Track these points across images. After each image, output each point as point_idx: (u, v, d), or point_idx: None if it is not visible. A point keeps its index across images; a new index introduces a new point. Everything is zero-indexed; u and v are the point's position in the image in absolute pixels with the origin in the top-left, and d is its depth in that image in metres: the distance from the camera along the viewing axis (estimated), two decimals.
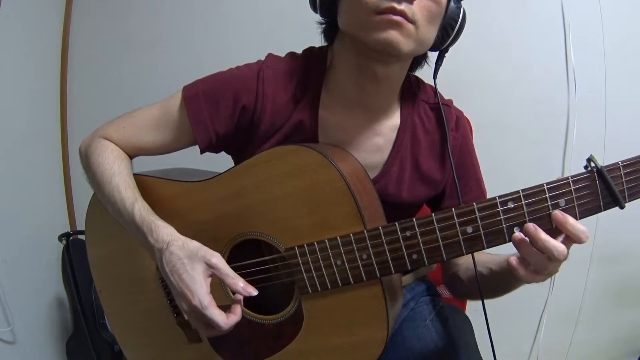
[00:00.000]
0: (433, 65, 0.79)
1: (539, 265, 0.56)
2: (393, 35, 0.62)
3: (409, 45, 0.65)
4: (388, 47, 0.63)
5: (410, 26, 0.63)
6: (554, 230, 0.56)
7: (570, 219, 0.54)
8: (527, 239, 0.56)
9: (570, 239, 0.55)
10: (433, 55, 0.77)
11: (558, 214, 0.55)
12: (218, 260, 0.65)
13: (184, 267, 0.64)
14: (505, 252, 0.70)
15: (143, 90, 1.44)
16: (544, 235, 0.54)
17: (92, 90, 1.73)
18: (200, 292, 0.62)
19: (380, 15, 0.62)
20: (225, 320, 0.63)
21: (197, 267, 0.64)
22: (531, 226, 0.55)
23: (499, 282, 0.71)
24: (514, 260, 0.58)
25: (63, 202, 1.74)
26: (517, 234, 0.57)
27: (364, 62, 0.70)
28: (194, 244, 0.66)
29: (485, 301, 0.74)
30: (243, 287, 0.64)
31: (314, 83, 0.76)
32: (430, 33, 0.68)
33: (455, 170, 0.78)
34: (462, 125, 0.83)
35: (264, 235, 0.69)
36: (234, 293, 0.65)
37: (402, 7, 0.61)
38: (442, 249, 0.60)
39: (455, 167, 0.79)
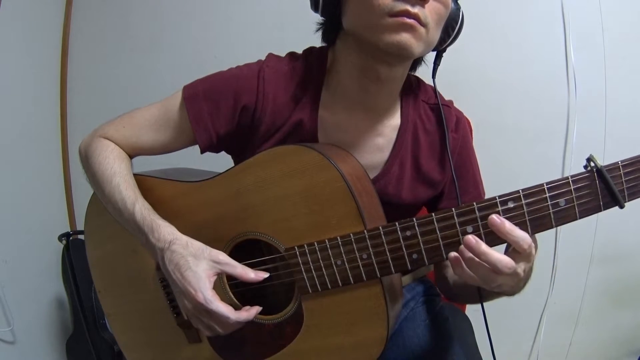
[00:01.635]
0: (431, 65, 0.79)
1: (486, 277, 0.56)
2: (406, 38, 0.63)
3: (420, 47, 0.65)
4: (401, 49, 0.63)
5: (422, 29, 0.63)
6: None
7: (507, 224, 0.54)
8: (465, 254, 0.55)
9: (514, 249, 0.55)
10: (430, 54, 0.78)
11: (494, 217, 0.55)
12: (224, 256, 0.66)
13: (187, 264, 0.64)
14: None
15: (143, 90, 1.44)
16: (484, 248, 0.54)
17: (92, 90, 1.73)
18: (204, 288, 0.63)
19: (394, 17, 0.62)
20: (232, 312, 0.64)
21: (201, 265, 0.64)
22: (471, 238, 0.55)
23: (474, 290, 0.69)
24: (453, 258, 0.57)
25: (63, 202, 1.74)
26: (452, 253, 0.57)
27: (368, 63, 0.70)
28: (198, 244, 0.67)
29: (486, 301, 0.74)
30: (255, 274, 0.66)
31: (314, 83, 0.76)
32: (437, 35, 0.69)
33: (454, 172, 0.78)
34: (462, 126, 0.83)
35: (264, 236, 0.69)
36: (234, 294, 0.64)
37: (416, 10, 0.61)
38: (443, 248, 0.60)
39: (455, 168, 0.79)
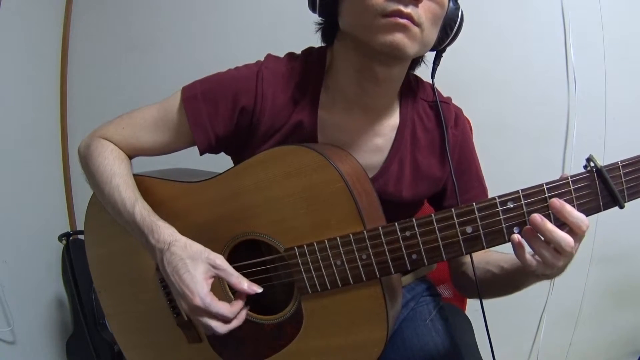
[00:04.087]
0: (430, 65, 0.79)
1: (548, 259, 0.56)
2: (399, 38, 0.62)
3: (415, 47, 0.65)
4: (394, 49, 0.63)
5: (416, 29, 0.63)
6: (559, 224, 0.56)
7: (568, 206, 0.54)
8: (534, 232, 0.56)
9: (572, 230, 0.55)
10: (430, 54, 0.77)
11: (555, 201, 0.55)
12: (222, 261, 0.66)
13: (185, 266, 0.64)
14: (505, 251, 0.70)
15: (143, 90, 1.44)
16: (550, 226, 0.54)
17: (92, 90, 1.73)
18: (201, 292, 0.63)
19: (387, 18, 0.62)
20: (230, 309, 0.65)
21: (199, 267, 0.64)
22: (537, 217, 0.55)
23: (510, 280, 0.71)
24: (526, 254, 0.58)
25: (63, 202, 1.74)
26: (516, 236, 0.57)
27: (366, 64, 0.70)
28: (197, 246, 0.67)
29: (486, 301, 0.74)
30: (248, 286, 0.66)
31: (314, 83, 0.76)
32: (433, 35, 0.68)
33: (456, 167, 0.78)
34: (461, 121, 0.83)
35: (263, 236, 0.69)
36: (234, 293, 0.65)
37: (409, 10, 0.61)
38: (442, 249, 0.60)
39: (457, 164, 0.79)
